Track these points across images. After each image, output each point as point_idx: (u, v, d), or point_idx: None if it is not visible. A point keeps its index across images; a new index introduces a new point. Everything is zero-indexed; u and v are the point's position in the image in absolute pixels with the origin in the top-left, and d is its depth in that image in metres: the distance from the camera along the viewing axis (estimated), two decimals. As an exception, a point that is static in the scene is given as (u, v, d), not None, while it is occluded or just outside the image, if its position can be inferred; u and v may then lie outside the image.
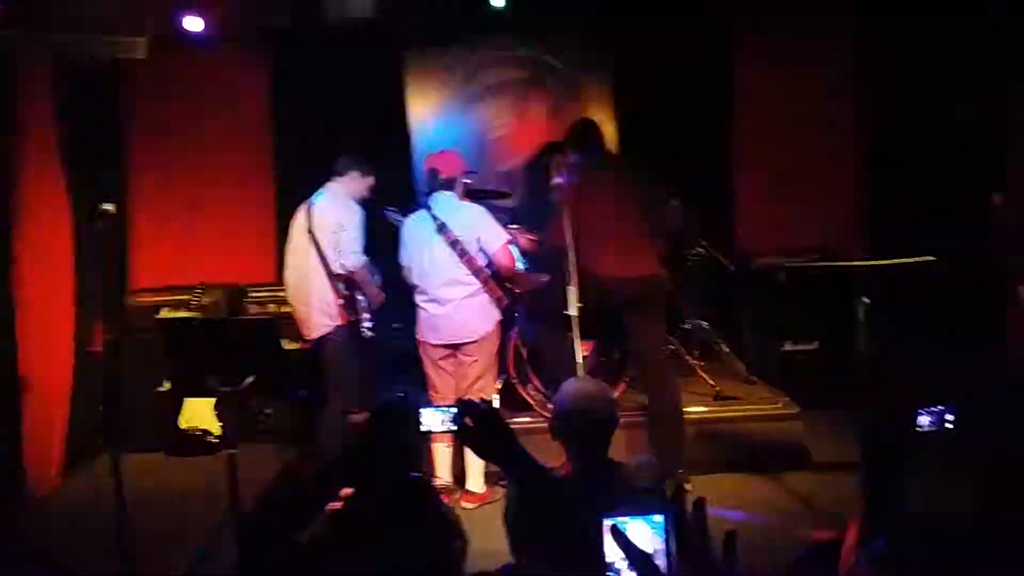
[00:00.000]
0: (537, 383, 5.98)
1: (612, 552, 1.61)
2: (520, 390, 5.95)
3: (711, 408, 6.09)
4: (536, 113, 7.78)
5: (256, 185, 7.42)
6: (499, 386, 5.92)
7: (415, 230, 5.56)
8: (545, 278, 6.08)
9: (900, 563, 1.54)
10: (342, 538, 2.07)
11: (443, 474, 5.56)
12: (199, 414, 6.45)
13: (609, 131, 7.09)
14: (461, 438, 2.15)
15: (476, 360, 5.51)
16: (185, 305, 6.61)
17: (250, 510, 4.31)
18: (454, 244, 5.40)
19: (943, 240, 5.89)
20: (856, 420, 4.64)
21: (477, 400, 2.16)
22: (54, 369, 6.07)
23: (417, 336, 5.64)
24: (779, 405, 6.08)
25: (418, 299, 5.58)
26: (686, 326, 6.86)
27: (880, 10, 6.83)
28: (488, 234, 5.48)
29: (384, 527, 2.02)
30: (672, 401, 5.55)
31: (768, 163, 7.67)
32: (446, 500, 5.28)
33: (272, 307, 6.89)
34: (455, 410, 2.12)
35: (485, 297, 5.49)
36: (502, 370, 5.91)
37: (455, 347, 5.52)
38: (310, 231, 5.56)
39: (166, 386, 6.56)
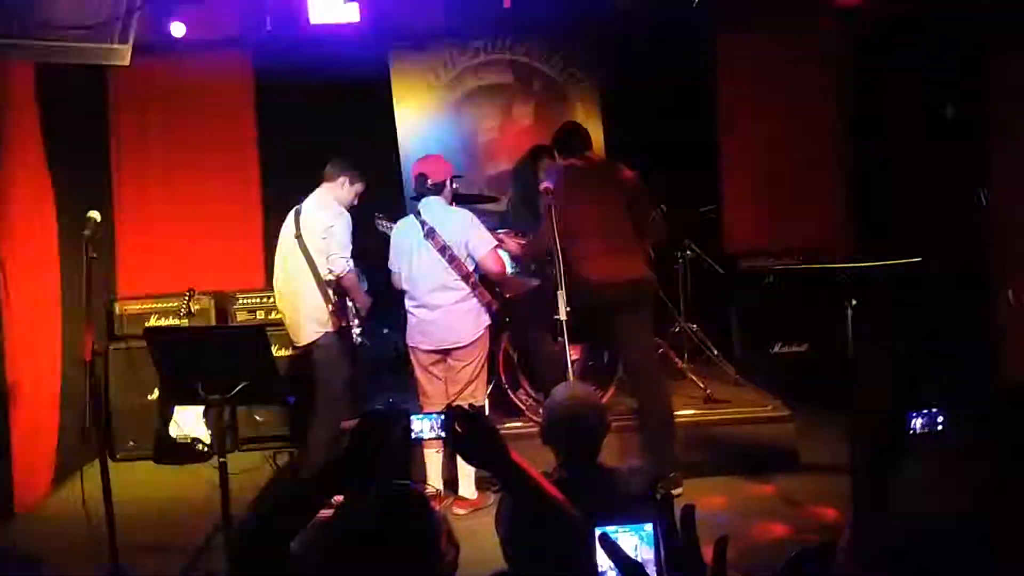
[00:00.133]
0: (528, 388, 5.97)
1: (604, 560, 1.61)
2: (511, 395, 5.94)
3: (701, 411, 6.09)
4: (523, 117, 7.78)
5: (243, 191, 7.39)
6: (489, 391, 5.91)
7: (404, 236, 5.56)
8: (534, 282, 6.09)
9: (892, 564, 1.54)
10: (333, 546, 2.06)
11: (435, 480, 5.55)
12: (189, 422, 6.43)
13: (596, 135, 7.10)
14: (451, 445, 2.15)
15: (466, 365, 5.50)
16: (174, 313, 6.59)
17: (241, 518, 4.31)
18: (443, 249, 5.39)
19: (929, 241, 5.93)
20: (846, 421, 4.64)
21: (467, 406, 2.16)
22: (42, 378, 6.04)
23: (407, 342, 5.63)
24: (769, 407, 6.09)
25: (408, 304, 5.57)
26: (675, 329, 6.87)
27: (865, 14, 6.84)
28: (476, 239, 5.47)
29: (375, 535, 2.01)
30: (662, 404, 5.55)
31: (755, 166, 7.68)
32: (438, 507, 5.27)
33: (261, 314, 6.88)
34: (444, 417, 2.11)
35: (474, 302, 5.49)
36: (492, 375, 5.91)
37: (445, 352, 5.51)
38: (298, 237, 5.55)
39: (155, 394, 6.55)
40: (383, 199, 6.55)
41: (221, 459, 4.37)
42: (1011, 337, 6.38)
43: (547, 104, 7.74)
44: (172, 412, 6.38)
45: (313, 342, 5.53)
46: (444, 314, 5.44)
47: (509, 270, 6.02)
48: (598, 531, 1.60)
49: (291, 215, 5.68)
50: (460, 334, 5.46)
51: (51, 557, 4.88)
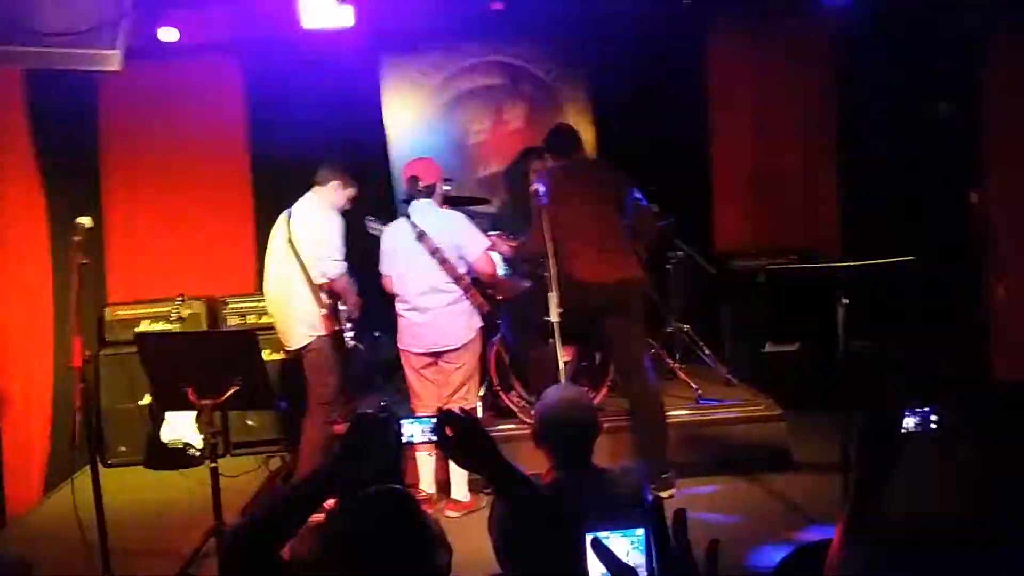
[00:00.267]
0: (520, 390, 5.97)
1: (595, 566, 1.61)
2: (503, 397, 5.94)
3: (694, 411, 6.09)
4: (514, 119, 7.78)
5: (234, 196, 7.39)
6: (482, 393, 5.91)
7: (395, 239, 5.55)
8: (526, 284, 6.09)
9: (885, 564, 1.54)
10: (325, 551, 2.06)
11: (427, 483, 5.55)
12: (181, 427, 6.41)
13: (587, 136, 7.10)
14: (442, 448, 2.15)
15: (458, 368, 5.49)
16: (164, 318, 6.57)
17: (233, 523, 4.29)
18: (434, 252, 5.39)
19: (921, 239, 5.95)
20: (838, 421, 4.65)
21: (458, 409, 2.16)
22: (34, 385, 6.03)
23: (399, 345, 5.62)
24: (761, 407, 6.10)
25: (399, 308, 5.56)
26: (667, 329, 6.87)
27: (856, 13, 6.85)
28: (468, 241, 5.47)
29: (367, 539, 2.01)
30: (655, 405, 5.55)
31: (746, 165, 7.70)
32: (430, 510, 5.27)
33: (252, 318, 6.87)
34: (435, 420, 2.11)
35: (466, 304, 5.49)
36: (485, 377, 5.91)
37: (437, 355, 5.51)
38: (290, 241, 5.53)
39: (147, 399, 6.53)
40: (374, 202, 6.54)
41: (212, 464, 4.37)
42: (1002, 337, 6.41)
43: (538, 106, 7.74)
44: (163, 417, 6.36)
45: (304, 346, 5.52)
46: (436, 317, 5.44)
47: (501, 272, 6.03)
48: (590, 536, 1.60)
49: (282, 219, 5.66)
50: (452, 337, 5.46)
51: (43, 564, 4.86)
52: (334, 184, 5.64)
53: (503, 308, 5.94)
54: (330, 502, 2.20)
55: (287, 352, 5.73)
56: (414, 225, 5.44)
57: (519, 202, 6.81)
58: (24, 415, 5.88)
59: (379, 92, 7.65)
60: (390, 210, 6.68)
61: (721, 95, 7.74)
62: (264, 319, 6.48)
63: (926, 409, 2.16)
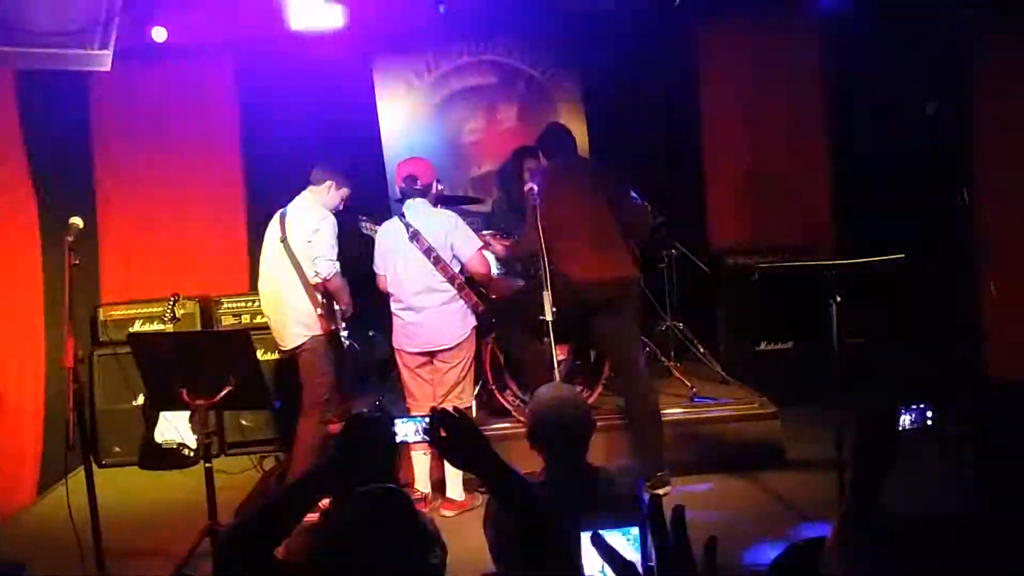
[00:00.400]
0: (515, 389, 5.97)
1: (590, 564, 1.61)
2: (498, 396, 5.94)
3: (688, 409, 6.10)
4: (507, 118, 7.78)
5: (226, 195, 7.37)
6: (476, 392, 5.91)
7: (388, 238, 5.55)
8: (520, 283, 6.08)
9: (880, 561, 1.54)
10: (320, 550, 2.06)
11: (422, 482, 5.55)
12: (175, 427, 6.41)
13: (579, 135, 7.10)
14: (436, 447, 2.14)
15: (453, 367, 5.49)
16: (158, 318, 6.56)
17: (227, 523, 4.29)
18: (428, 252, 5.39)
19: (913, 237, 5.96)
20: (832, 418, 4.66)
21: (451, 408, 2.15)
22: (27, 385, 6.01)
23: (393, 344, 5.62)
24: (755, 405, 6.10)
25: (394, 307, 5.56)
26: (661, 327, 6.88)
27: (847, 13, 6.86)
28: (461, 240, 5.47)
29: (362, 538, 2.01)
30: (649, 403, 5.56)
31: (739, 164, 7.70)
32: (425, 509, 5.28)
33: (246, 318, 6.86)
34: (429, 420, 2.11)
35: (460, 304, 5.49)
36: (479, 377, 5.91)
37: (431, 355, 5.51)
38: (284, 241, 5.53)
39: (141, 400, 6.52)
40: (368, 201, 6.54)
41: (207, 464, 4.36)
42: (994, 335, 6.43)
43: (531, 105, 7.73)
44: (158, 417, 6.35)
45: (299, 346, 5.51)
46: (430, 316, 5.44)
47: (494, 271, 6.03)
48: (589, 532, 1.60)
49: (276, 218, 5.65)
50: (446, 336, 5.46)
51: (36, 564, 4.85)
52: (328, 184, 5.63)
53: (497, 307, 5.93)
54: (325, 502, 2.20)
55: (282, 352, 5.73)
56: (408, 225, 5.44)
57: (513, 201, 6.80)
58: (17, 416, 5.87)
59: (372, 92, 7.63)
60: (384, 210, 6.66)
61: (713, 94, 7.74)
62: (258, 319, 6.48)
63: (922, 407, 2.16)
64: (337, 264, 5.47)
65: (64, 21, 5.02)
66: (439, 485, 5.57)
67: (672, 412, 5.95)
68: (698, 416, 6.06)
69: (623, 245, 5.56)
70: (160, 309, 6.51)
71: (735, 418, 6.04)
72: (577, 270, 5.33)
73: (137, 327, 6.68)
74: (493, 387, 5.93)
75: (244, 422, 6.79)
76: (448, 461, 2.22)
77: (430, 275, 5.41)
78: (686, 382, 6.33)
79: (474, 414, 5.81)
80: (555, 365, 5.10)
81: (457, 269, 5.47)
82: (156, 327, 6.54)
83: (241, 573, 2.09)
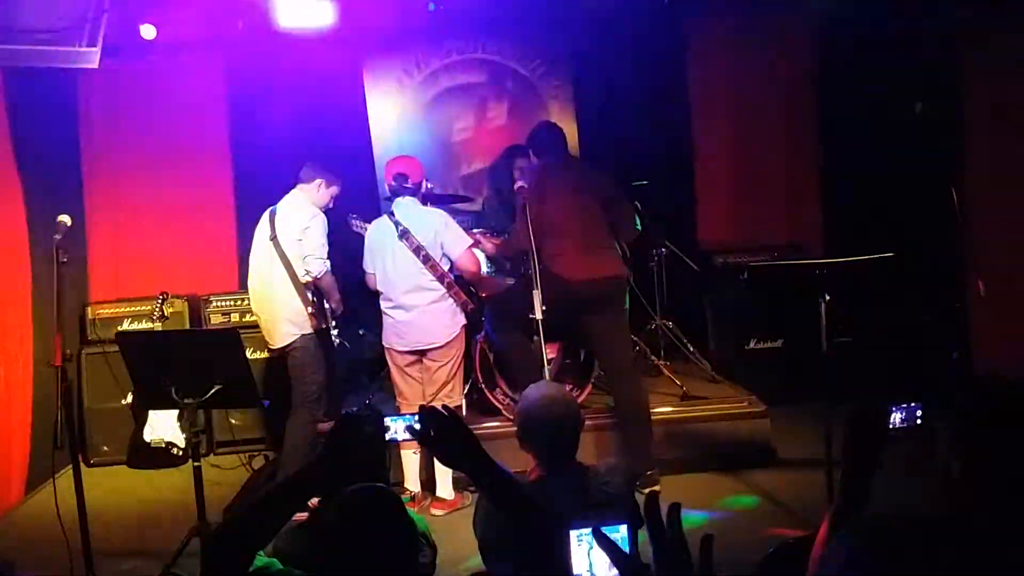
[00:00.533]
0: (505, 387, 5.96)
1: (579, 563, 1.60)
2: (488, 395, 5.93)
3: (678, 408, 6.11)
4: (497, 116, 7.77)
5: (216, 193, 7.34)
6: (466, 391, 5.90)
7: (378, 236, 5.54)
8: (510, 281, 6.08)
9: (868, 560, 1.54)
10: (309, 549, 2.05)
11: (412, 481, 5.54)
12: (163, 426, 6.39)
13: (570, 134, 7.10)
14: (425, 446, 2.14)
15: (442, 365, 5.49)
16: (147, 316, 6.54)
17: (216, 522, 4.28)
18: (417, 250, 5.38)
19: (902, 236, 5.98)
20: (821, 417, 4.66)
21: (441, 406, 2.15)
22: (14, 384, 5.98)
23: (383, 343, 5.61)
24: (745, 403, 6.11)
25: (383, 306, 5.55)
26: (651, 326, 6.88)
27: (838, 13, 6.87)
28: (451, 239, 5.47)
29: (351, 537, 2.00)
30: (639, 402, 5.56)
31: (729, 163, 7.71)
32: (415, 508, 5.27)
33: (235, 317, 6.84)
34: (418, 418, 2.11)
35: (450, 302, 5.48)
36: (469, 375, 5.90)
37: (421, 353, 5.50)
38: (273, 239, 5.51)
39: (129, 399, 6.50)
40: (357, 200, 6.52)
41: (196, 463, 4.34)
42: (982, 333, 6.45)
43: (521, 103, 7.73)
44: (146, 416, 6.33)
45: (289, 344, 5.50)
46: (420, 315, 5.43)
47: (484, 269, 6.02)
48: (587, 529, 1.59)
49: (266, 217, 5.64)
50: (435, 335, 5.45)
51: (24, 564, 4.83)
52: (318, 182, 5.62)
53: (487, 306, 5.93)
54: (314, 501, 2.20)
55: (271, 350, 5.71)
56: (397, 223, 5.43)
57: (503, 199, 6.80)
58: (4, 414, 5.84)
59: (362, 90, 7.62)
60: (374, 208, 6.65)
61: (703, 92, 7.75)
62: (248, 317, 6.46)
63: (912, 405, 2.17)
64: (328, 262, 5.47)
65: (52, 18, 5.00)
66: (429, 484, 5.57)
67: (662, 410, 5.96)
68: (688, 414, 6.07)
69: (613, 244, 5.56)
70: (149, 307, 6.50)
71: (725, 416, 6.05)
72: (567, 269, 5.33)
73: (126, 325, 6.65)
74: (483, 386, 5.92)
75: (233, 421, 6.76)
76: (438, 459, 2.22)
77: (419, 273, 5.40)
78: (676, 381, 6.33)
79: (464, 413, 5.81)
80: (545, 364, 5.10)
81: (447, 267, 5.46)
82: (145, 325, 6.52)
83: (229, 572, 2.08)
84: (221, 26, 6.76)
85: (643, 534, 1.64)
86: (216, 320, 6.88)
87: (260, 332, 5.74)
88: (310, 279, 5.46)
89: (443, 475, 5.49)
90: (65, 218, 4.52)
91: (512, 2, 7.13)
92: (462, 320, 5.54)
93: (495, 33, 7.63)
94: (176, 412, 6.10)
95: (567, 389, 4.79)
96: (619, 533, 1.83)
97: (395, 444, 5.22)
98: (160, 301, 6.33)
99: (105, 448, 6.64)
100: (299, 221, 5.47)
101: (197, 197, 7.29)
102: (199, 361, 4.27)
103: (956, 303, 6.45)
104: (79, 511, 4.44)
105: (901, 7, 6.41)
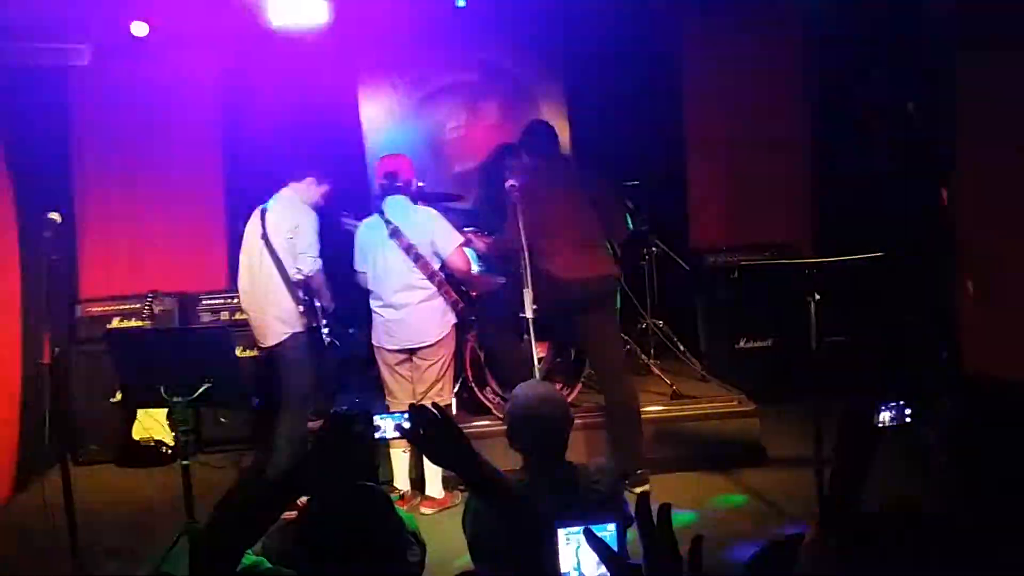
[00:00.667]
0: (495, 386, 5.96)
1: (566, 561, 1.60)
2: (478, 393, 5.93)
3: (668, 407, 6.12)
4: (489, 115, 7.77)
5: (206, 191, 7.31)
6: (456, 390, 5.90)
7: (369, 235, 5.53)
8: (501, 280, 6.08)
9: (858, 557, 1.55)
10: (298, 547, 2.05)
11: (402, 480, 5.54)
12: (152, 424, 6.37)
13: (561, 133, 7.09)
14: (414, 444, 2.14)
15: (432, 364, 5.48)
16: (137, 315, 6.52)
17: (205, 521, 4.27)
18: (408, 249, 5.37)
19: (893, 236, 5.99)
20: (811, 416, 4.67)
21: (431, 405, 2.15)
22: (2, 382, 5.96)
23: (373, 341, 5.60)
24: (735, 403, 6.12)
25: (373, 304, 5.55)
26: (642, 325, 6.89)
27: (829, 12, 6.88)
28: (442, 237, 5.46)
29: (340, 536, 2.00)
30: (629, 401, 5.57)
31: (721, 163, 7.72)
32: (404, 506, 5.27)
33: (225, 315, 6.83)
34: (408, 416, 2.10)
35: (440, 301, 5.47)
36: (459, 374, 5.90)
37: (411, 352, 5.50)
38: (264, 237, 5.50)
39: (118, 397, 6.48)
40: (348, 198, 6.51)
41: (184, 462, 4.33)
42: (972, 333, 6.46)
43: (513, 102, 7.72)
44: (135, 415, 6.31)
45: (279, 343, 5.49)
46: (410, 314, 5.42)
47: (475, 268, 6.02)
48: (578, 527, 1.59)
49: (256, 215, 5.62)
50: (425, 333, 5.45)
51: (12, 562, 4.82)
52: (309, 180, 5.61)
53: (478, 304, 5.93)
54: (303, 499, 2.19)
55: (261, 349, 5.70)
56: (388, 221, 5.42)
57: (494, 198, 6.79)
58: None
59: (354, 88, 7.61)
60: (365, 206, 6.64)
61: (696, 92, 7.75)
62: (237, 316, 6.44)
63: (901, 403, 2.18)
64: (319, 261, 5.46)
65: (40, 16, 4.99)
66: (419, 483, 5.57)
67: (652, 410, 5.97)
68: (678, 414, 6.08)
69: (604, 243, 5.57)
70: (138, 306, 6.48)
71: (714, 416, 6.07)
72: (558, 268, 5.33)
73: (115, 324, 6.63)
74: (473, 384, 5.92)
75: (222, 419, 6.75)
76: (427, 458, 2.22)
77: (410, 272, 5.40)
78: (666, 380, 6.35)
79: (454, 411, 5.81)
80: (535, 362, 5.10)
81: (437, 266, 5.46)
82: (134, 323, 6.50)
83: (217, 570, 2.07)
84: (213, 24, 6.73)
85: (632, 533, 1.64)
86: (206, 318, 6.86)
87: (250, 330, 5.72)
88: (301, 277, 5.45)
89: (433, 474, 5.49)
90: (55, 216, 4.50)
91: (505, 4, 7.12)
92: (452, 319, 5.54)
93: (488, 32, 7.62)
94: (165, 411, 6.10)
95: (557, 388, 4.79)
96: (607, 532, 1.83)
97: (385, 443, 5.24)
98: (150, 299, 6.31)
99: (94, 446, 6.61)
100: (290, 219, 5.45)
101: (188, 195, 7.26)
102: (189, 360, 4.26)
103: (946, 303, 6.46)
104: (67, 509, 4.43)
105: (894, 9, 6.43)
